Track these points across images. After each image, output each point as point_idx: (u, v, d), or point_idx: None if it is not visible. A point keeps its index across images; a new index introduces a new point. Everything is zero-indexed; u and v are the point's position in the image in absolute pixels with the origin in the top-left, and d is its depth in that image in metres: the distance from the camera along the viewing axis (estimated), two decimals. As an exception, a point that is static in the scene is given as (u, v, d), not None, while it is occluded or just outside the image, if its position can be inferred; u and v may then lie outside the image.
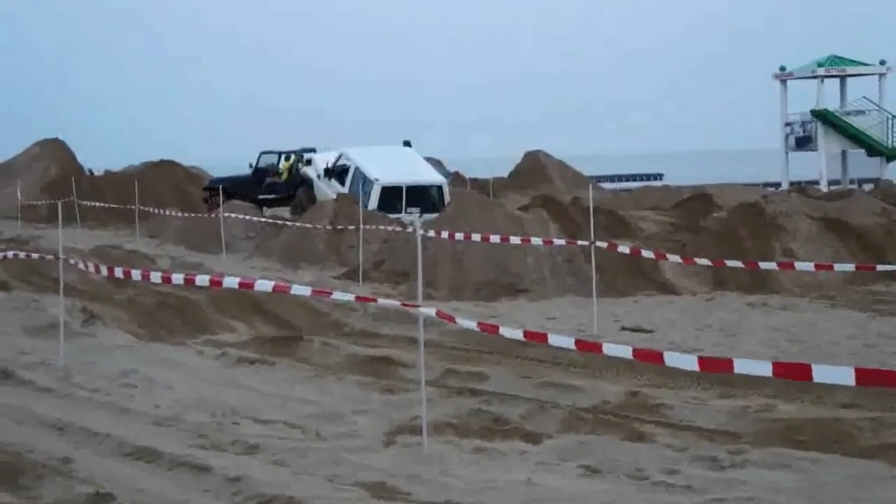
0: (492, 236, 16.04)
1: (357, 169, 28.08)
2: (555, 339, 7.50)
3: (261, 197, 33.52)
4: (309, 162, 31.13)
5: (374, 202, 26.24)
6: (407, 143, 31.54)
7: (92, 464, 8.10)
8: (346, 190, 27.70)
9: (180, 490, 7.43)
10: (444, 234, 16.69)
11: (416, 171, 28.71)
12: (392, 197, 26.80)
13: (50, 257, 14.58)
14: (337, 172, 28.88)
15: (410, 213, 25.68)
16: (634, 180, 72.48)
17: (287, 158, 35.73)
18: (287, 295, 11.89)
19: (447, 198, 26.44)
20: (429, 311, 8.28)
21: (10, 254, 16.81)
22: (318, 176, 29.84)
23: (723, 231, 20.38)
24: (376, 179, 27.15)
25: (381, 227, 21.62)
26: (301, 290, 8.90)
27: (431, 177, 28.81)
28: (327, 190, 28.70)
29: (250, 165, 35.03)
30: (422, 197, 27.30)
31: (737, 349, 12.35)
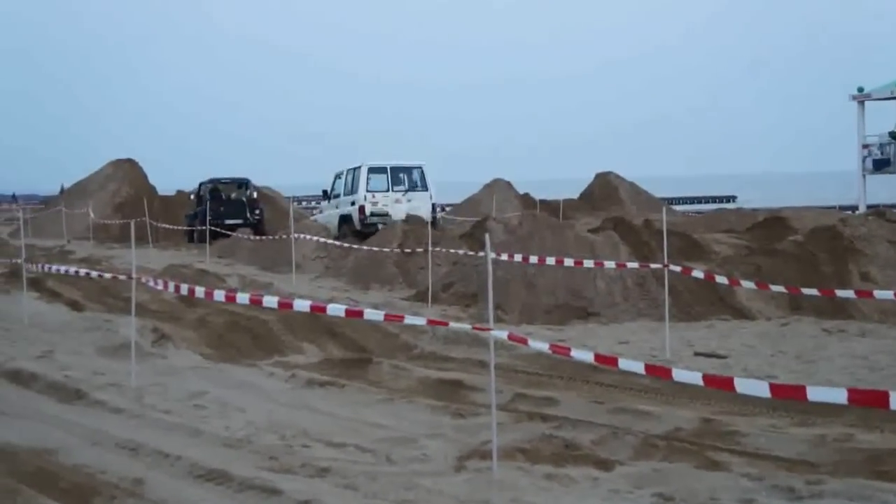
0: (566, 259, 15.87)
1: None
2: (625, 364, 7.39)
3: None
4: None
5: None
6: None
7: (164, 485, 8.12)
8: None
9: (251, 513, 7.43)
10: (518, 258, 16.55)
11: None
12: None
13: (122, 277, 14.72)
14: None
15: None
16: (707, 203, 71.90)
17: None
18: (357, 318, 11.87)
19: None
20: (500, 334, 8.21)
21: (82, 273, 17.05)
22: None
23: (799, 255, 20.02)
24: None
25: (452, 251, 21.57)
26: (374, 314, 8.85)
27: None
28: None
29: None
30: None
31: (813, 376, 12.08)
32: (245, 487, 7.90)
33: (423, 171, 30.69)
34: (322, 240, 26.09)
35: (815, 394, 5.78)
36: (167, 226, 35.70)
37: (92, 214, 39.80)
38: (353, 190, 30.13)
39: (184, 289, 11.43)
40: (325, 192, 32.91)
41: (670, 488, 7.70)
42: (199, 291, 10.88)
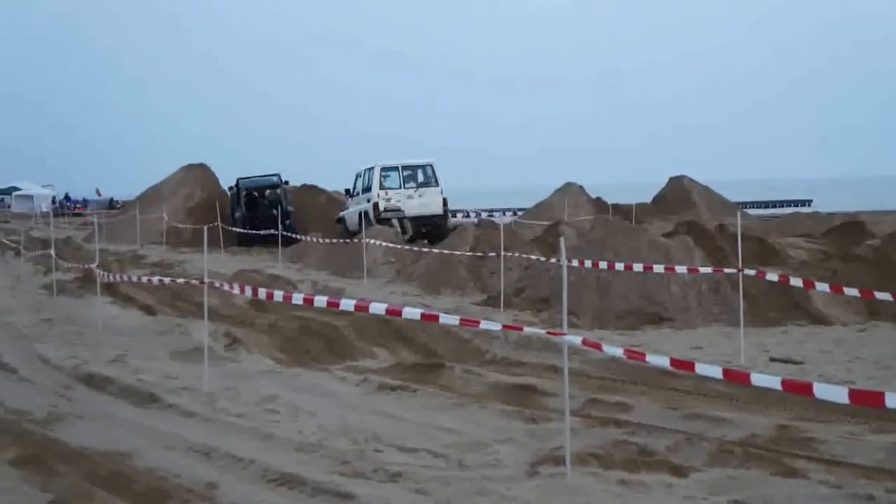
0: (635, 264, 15.69)
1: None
2: (702, 369, 7.26)
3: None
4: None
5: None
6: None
7: (236, 489, 8.15)
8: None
9: (323, 518, 7.42)
10: (588, 263, 16.40)
11: None
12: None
13: (195, 282, 14.83)
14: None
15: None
16: (782, 206, 70.99)
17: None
18: (428, 322, 11.84)
19: None
20: (574, 338, 8.13)
21: (155, 279, 17.23)
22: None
23: (876, 260, 19.67)
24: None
25: (524, 255, 21.48)
26: (449, 319, 8.80)
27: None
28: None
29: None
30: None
31: (891, 383, 11.81)
32: (318, 492, 7.90)
33: (433, 168, 32.49)
34: (391, 245, 26.16)
35: (893, 400, 5.66)
36: (238, 230, 35.97)
37: (166, 218, 40.22)
38: (368, 188, 32.16)
39: (261, 293, 11.47)
40: (347, 190, 35.24)
41: (746, 495, 7.58)
42: (278, 295, 10.91)
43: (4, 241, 34.16)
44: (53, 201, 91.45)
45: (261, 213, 38.77)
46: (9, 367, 13.89)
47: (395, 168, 32.35)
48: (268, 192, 40.63)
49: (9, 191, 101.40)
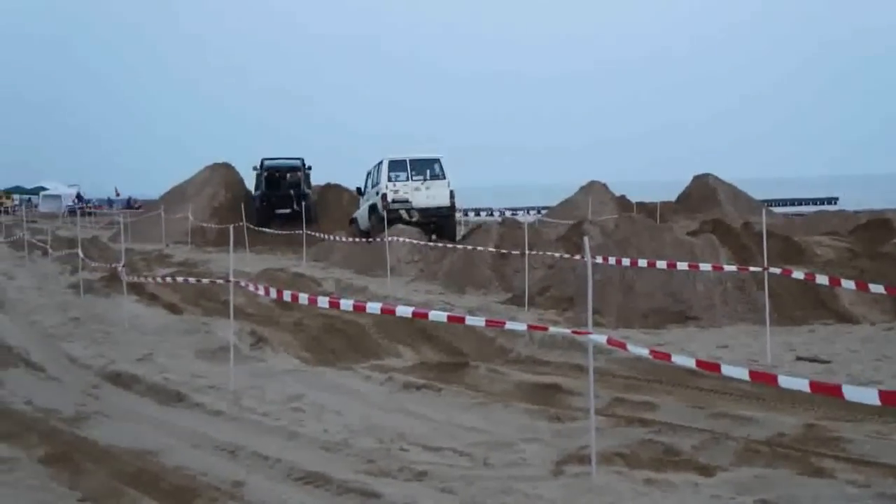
0: (658, 262, 15.62)
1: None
2: (728, 370, 7.21)
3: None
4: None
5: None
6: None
7: (263, 488, 8.18)
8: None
9: (349, 516, 7.44)
10: (612, 260, 16.37)
11: None
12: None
13: (220, 281, 14.89)
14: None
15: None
16: (807, 204, 70.61)
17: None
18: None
19: None
20: (599, 338, 8.11)
21: (179, 278, 17.31)
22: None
23: (904, 258, 19.55)
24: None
25: (548, 253, 21.47)
26: (475, 321, 8.81)
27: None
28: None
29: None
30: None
31: (920, 382, 11.78)
32: (344, 490, 7.92)
33: (441, 163, 33.06)
34: (416, 242, 26.21)
35: (922, 400, 5.62)
36: (264, 230, 36.10)
37: (191, 218, 40.37)
38: (377, 182, 32.87)
39: (286, 294, 11.50)
40: (358, 189, 35.92)
41: (773, 495, 7.55)
42: (303, 298, 10.93)
43: (32, 240, 34.34)
44: (79, 198, 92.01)
45: (280, 193, 41.12)
46: (37, 366, 13.98)
47: (404, 162, 33.03)
48: (289, 174, 42.50)
49: (36, 191, 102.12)
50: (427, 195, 32.04)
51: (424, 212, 31.37)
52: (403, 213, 30.87)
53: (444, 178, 32.85)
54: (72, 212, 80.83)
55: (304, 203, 39.00)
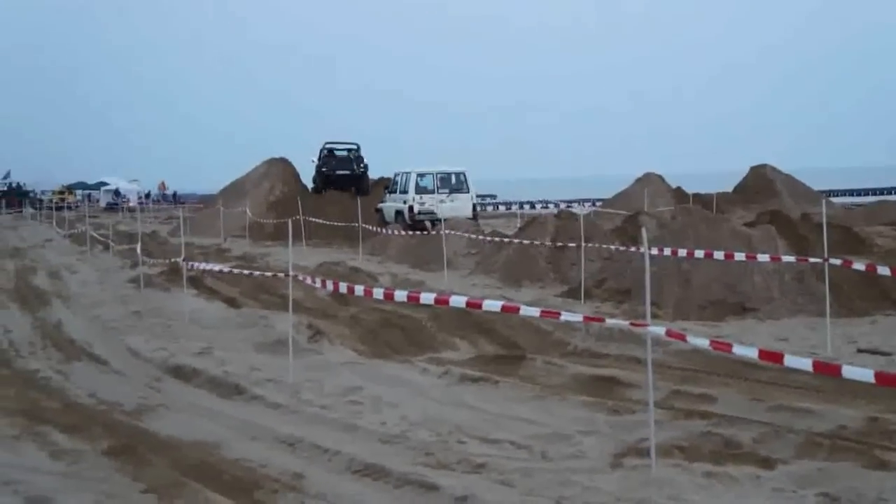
0: (715, 253, 15.48)
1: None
2: (791, 361, 7.13)
3: None
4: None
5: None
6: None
7: (322, 480, 8.24)
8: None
9: (408, 508, 7.48)
10: (667, 251, 16.28)
11: None
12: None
13: (280, 275, 14.99)
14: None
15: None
16: (867, 195, 69.72)
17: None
18: (509, 313, 11.83)
19: None
20: (658, 329, 8.08)
21: (236, 271, 17.45)
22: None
23: (966, 247, 19.28)
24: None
25: (604, 246, 21.39)
26: (530, 311, 8.80)
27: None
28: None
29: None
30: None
31: None
32: (402, 483, 7.96)
33: (465, 176, 35.53)
34: (473, 236, 26.22)
35: None
36: (319, 220, 36.27)
37: (249, 213, 40.65)
38: (405, 190, 34.92)
39: (342, 287, 11.56)
40: (385, 187, 38.22)
41: (836, 488, 7.49)
42: (358, 290, 10.97)
43: (94, 234, 34.79)
44: (117, 194, 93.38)
45: (337, 165, 45.80)
46: (100, 360, 14.18)
47: (430, 174, 35.20)
48: (345, 151, 46.83)
49: (97, 186, 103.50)
50: (451, 207, 33.85)
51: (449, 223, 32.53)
52: (428, 224, 31.88)
53: (468, 191, 35.18)
54: (110, 207, 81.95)
55: (361, 165, 45.29)
